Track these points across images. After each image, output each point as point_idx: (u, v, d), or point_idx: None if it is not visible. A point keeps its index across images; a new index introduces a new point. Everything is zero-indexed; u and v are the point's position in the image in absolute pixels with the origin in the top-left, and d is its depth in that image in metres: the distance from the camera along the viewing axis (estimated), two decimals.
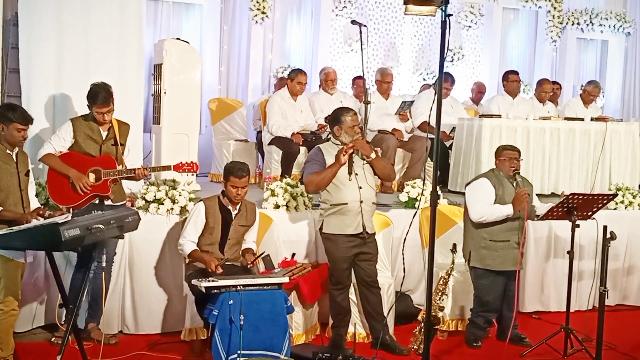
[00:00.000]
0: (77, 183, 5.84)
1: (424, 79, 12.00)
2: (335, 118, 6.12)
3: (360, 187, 5.97)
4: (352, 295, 6.34)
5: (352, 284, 6.28)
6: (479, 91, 11.00)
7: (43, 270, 6.21)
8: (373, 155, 6.01)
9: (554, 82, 10.63)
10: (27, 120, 5.29)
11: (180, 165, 6.24)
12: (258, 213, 6.23)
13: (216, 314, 5.33)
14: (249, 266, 5.92)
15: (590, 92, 9.76)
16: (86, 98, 5.94)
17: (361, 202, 5.96)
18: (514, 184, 6.35)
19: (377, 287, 6.23)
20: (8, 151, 5.25)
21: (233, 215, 5.98)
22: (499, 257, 6.29)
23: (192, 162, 6.29)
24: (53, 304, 6.13)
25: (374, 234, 6.18)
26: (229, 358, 5.33)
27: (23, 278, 5.45)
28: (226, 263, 5.88)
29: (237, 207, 6.00)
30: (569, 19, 13.08)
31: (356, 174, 5.98)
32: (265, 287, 5.50)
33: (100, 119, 5.95)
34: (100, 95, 5.87)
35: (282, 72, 10.79)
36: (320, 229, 6.12)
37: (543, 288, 7.71)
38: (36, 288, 6.22)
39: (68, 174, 5.87)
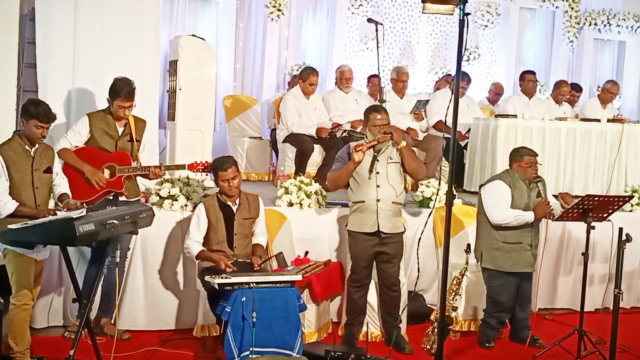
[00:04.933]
0: (92, 178, 5.85)
1: (440, 78, 11.96)
2: (364, 115, 6.17)
3: (379, 186, 5.95)
4: (370, 296, 6.34)
5: (374, 283, 6.30)
6: (496, 92, 10.92)
7: (57, 265, 6.23)
8: (403, 143, 5.95)
9: (575, 88, 10.52)
10: (49, 118, 5.18)
11: (194, 164, 6.24)
12: (262, 204, 6.20)
13: (229, 310, 5.33)
14: (255, 269, 5.84)
15: (609, 90, 9.69)
16: (108, 91, 5.93)
17: (378, 200, 5.95)
18: (532, 189, 6.32)
19: (393, 290, 6.20)
20: (27, 147, 5.21)
21: (234, 210, 5.97)
22: (511, 259, 6.27)
23: (206, 161, 6.28)
24: (68, 300, 6.15)
25: (397, 234, 6.10)
26: (241, 355, 5.33)
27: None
28: (238, 260, 5.88)
29: (237, 200, 5.99)
30: (586, 20, 12.99)
31: (377, 173, 5.96)
32: (278, 285, 5.50)
33: (121, 113, 5.93)
34: (124, 88, 5.86)
35: (297, 70, 10.78)
36: (346, 225, 6.16)
37: (556, 289, 7.68)
38: (51, 284, 6.24)
39: (82, 169, 5.88)
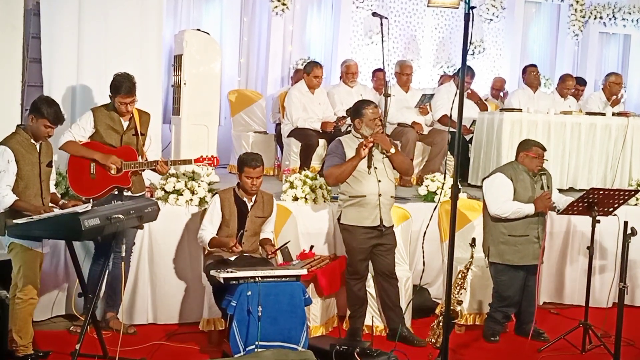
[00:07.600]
0: (106, 163, 5.83)
1: (445, 72, 11.95)
2: (356, 111, 6.13)
3: (379, 181, 5.99)
4: (370, 289, 6.35)
5: (371, 276, 6.32)
6: (494, 87, 10.93)
7: (63, 259, 6.24)
8: (392, 150, 6.02)
9: (580, 82, 10.49)
10: (58, 120, 5.22)
11: (201, 159, 6.24)
12: (275, 204, 6.24)
13: (234, 305, 5.34)
14: (269, 257, 5.95)
15: (615, 81, 9.63)
16: (109, 88, 5.92)
17: (379, 195, 5.98)
18: (536, 181, 6.31)
19: (394, 278, 6.25)
20: (32, 141, 5.23)
21: (249, 207, 5.99)
22: (518, 252, 6.26)
23: (212, 156, 6.28)
24: (73, 293, 6.16)
25: (392, 226, 6.20)
26: (247, 349, 5.35)
27: (42, 267, 5.46)
28: (244, 254, 5.90)
29: (253, 198, 6.01)
30: (591, 13, 12.97)
31: (375, 168, 5.99)
32: (283, 279, 5.51)
33: (123, 109, 5.91)
34: (124, 85, 5.82)
35: (302, 65, 10.77)
36: (339, 219, 6.16)
37: (561, 283, 7.67)
38: (56, 277, 6.25)
39: (93, 157, 5.86)
